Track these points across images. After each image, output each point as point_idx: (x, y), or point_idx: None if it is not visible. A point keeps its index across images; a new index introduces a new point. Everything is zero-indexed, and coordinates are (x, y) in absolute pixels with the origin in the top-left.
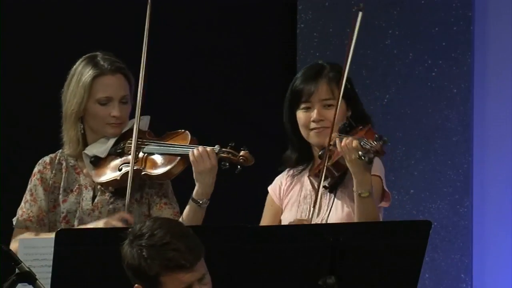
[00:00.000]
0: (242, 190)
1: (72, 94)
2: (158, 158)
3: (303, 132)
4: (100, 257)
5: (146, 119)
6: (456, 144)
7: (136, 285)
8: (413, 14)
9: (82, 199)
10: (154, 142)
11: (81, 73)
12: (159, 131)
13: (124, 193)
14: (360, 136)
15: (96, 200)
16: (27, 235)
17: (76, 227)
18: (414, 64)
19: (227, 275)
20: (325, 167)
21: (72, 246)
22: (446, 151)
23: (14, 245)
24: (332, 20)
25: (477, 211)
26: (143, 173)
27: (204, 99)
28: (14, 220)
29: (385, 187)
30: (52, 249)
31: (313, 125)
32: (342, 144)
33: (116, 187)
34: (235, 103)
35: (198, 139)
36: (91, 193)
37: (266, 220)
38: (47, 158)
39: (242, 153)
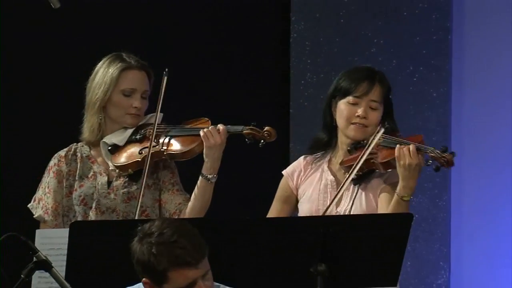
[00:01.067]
0: (239, 184)
1: (98, 84)
2: (180, 139)
3: (342, 123)
4: (111, 248)
5: (160, 115)
6: (435, 143)
7: (144, 279)
8: (396, 25)
9: (98, 183)
10: (176, 127)
11: (108, 66)
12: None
13: (139, 178)
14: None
15: (112, 184)
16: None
17: (94, 208)
18: (397, 70)
19: (227, 263)
20: (360, 161)
21: (85, 237)
22: None
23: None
24: (322, 30)
25: (454, 204)
26: (165, 152)
27: (201, 102)
28: (32, 207)
29: None
30: (67, 239)
31: (356, 119)
32: (405, 148)
33: (136, 169)
34: (233, 106)
35: None
36: (105, 178)
37: (278, 203)
38: (62, 152)
39: (266, 128)
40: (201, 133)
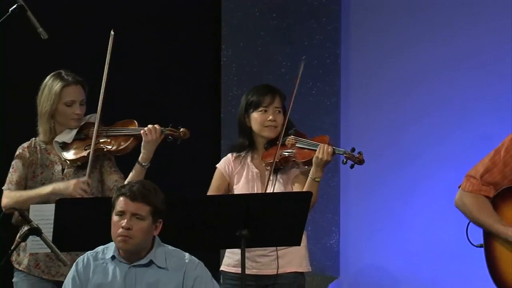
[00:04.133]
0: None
1: (45, 99)
2: (116, 138)
3: (257, 127)
4: (87, 218)
5: (96, 115)
6: (329, 139)
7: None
8: (300, 52)
9: (54, 171)
10: (112, 128)
11: (52, 84)
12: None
13: (85, 167)
14: (318, 141)
15: (65, 172)
16: (11, 193)
17: None
18: (301, 85)
19: (176, 230)
20: (274, 161)
21: (67, 210)
22: None
23: (4, 200)
24: (245, 55)
25: (342, 184)
26: (105, 149)
27: (151, 110)
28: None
29: None
30: (53, 212)
31: (268, 123)
32: (326, 148)
33: (83, 162)
34: (179, 113)
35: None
36: (60, 167)
37: (214, 187)
38: (25, 144)
39: (182, 129)
40: (142, 131)
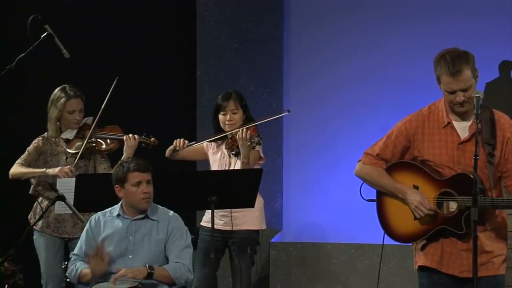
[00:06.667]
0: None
1: (54, 108)
2: (104, 141)
3: (222, 125)
4: (98, 188)
5: (91, 118)
6: (275, 133)
7: (116, 185)
8: (255, 67)
9: (60, 159)
10: (102, 132)
11: (59, 97)
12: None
13: (82, 157)
14: (251, 131)
15: (67, 160)
16: (20, 168)
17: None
18: (254, 91)
19: (166, 193)
20: (235, 145)
21: (85, 183)
22: (272, 137)
23: (12, 170)
24: (214, 68)
25: (285, 163)
26: (96, 148)
27: (140, 115)
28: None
29: (261, 154)
30: (74, 184)
31: (227, 122)
32: (239, 136)
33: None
34: (163, 115)
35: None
36: (64, 156)
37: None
38: (40, 137)
39: (152, 139)
40: (125, 138)
